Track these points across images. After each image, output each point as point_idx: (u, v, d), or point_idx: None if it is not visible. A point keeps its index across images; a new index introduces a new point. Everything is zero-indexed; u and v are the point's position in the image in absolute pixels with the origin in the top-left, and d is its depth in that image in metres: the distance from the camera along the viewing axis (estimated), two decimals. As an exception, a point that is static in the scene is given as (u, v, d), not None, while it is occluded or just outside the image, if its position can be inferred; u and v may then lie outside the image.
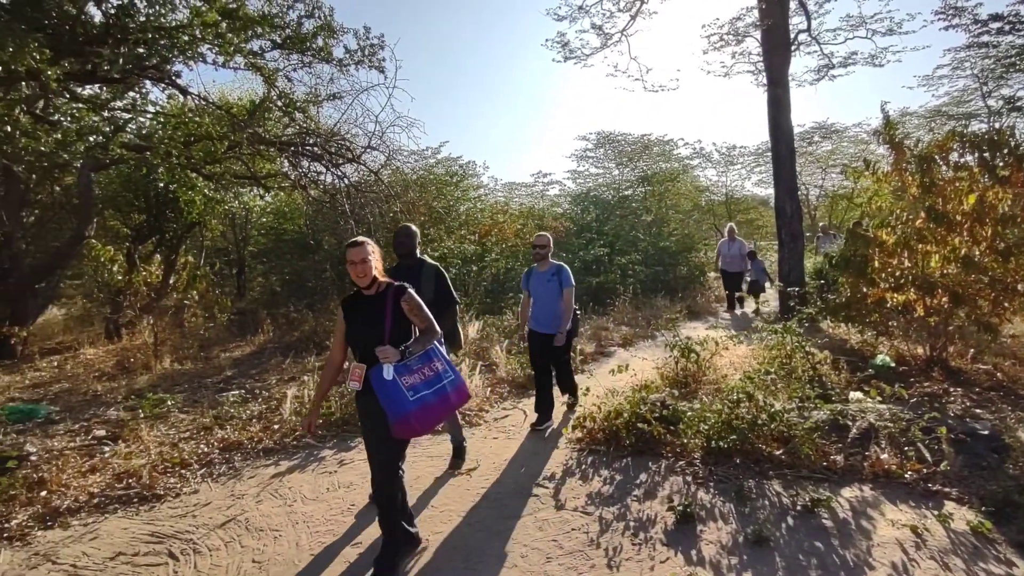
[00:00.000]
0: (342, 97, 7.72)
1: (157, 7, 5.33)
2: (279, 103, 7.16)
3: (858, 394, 4.41)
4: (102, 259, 8.27)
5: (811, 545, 2.78)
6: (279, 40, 6.49)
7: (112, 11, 5.06)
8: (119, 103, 6.43)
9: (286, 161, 8.33)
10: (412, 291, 2.72)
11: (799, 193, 11.12)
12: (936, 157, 5.31)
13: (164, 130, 6.70)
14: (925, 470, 3.38)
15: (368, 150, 8.49)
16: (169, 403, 5.41)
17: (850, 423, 3.84)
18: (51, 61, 4.43)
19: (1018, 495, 2.96)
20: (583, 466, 3.89)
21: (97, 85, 6.22)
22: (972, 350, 5.54)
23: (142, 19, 5.21)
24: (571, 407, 5.01)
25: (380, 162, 8.84)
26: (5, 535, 3.20)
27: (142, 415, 5.08)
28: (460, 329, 4.07)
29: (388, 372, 2.51)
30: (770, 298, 11.22)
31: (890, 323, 5.79)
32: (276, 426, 4.80)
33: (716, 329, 7.45)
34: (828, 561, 2.65)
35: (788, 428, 3.74)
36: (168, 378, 6.75)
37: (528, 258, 11.56)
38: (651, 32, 42.52)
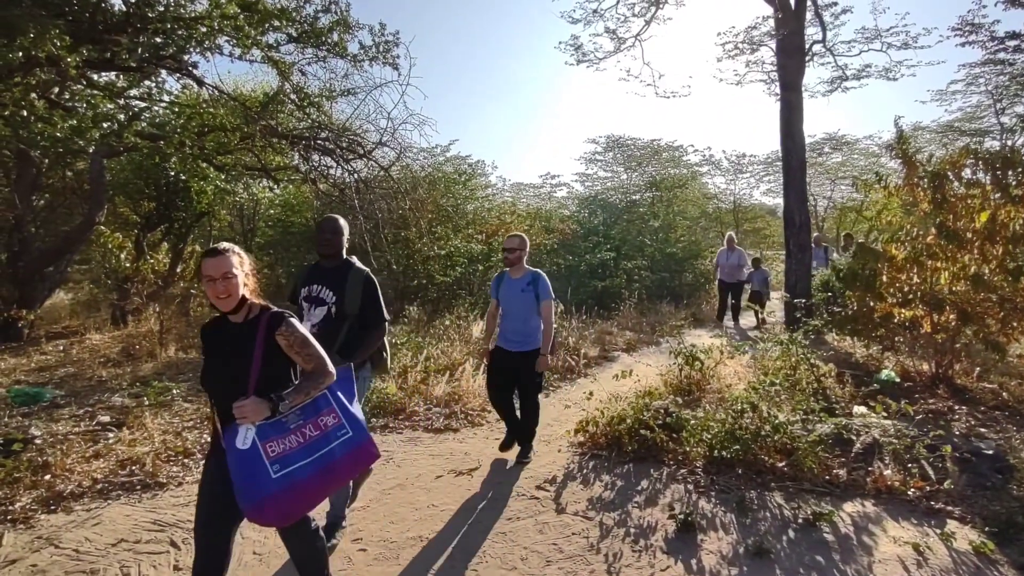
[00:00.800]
0: (356, 93, 7.75)
1: (177, -3, 5.37)
2: (293, 97, 7.19)
3: (862, 408, 4.40)
4: (110, 246, 8.34)
5: (812, 559, 2.78)
6: (294, 34, 6.52)
7: (133, 0, 5.10)
8: (135, 91, 6.47)
9: (297, 154, 8.36)
10: (293, 320, 2.05)
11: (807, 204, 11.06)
12: (949, 173, 5.29)
13: (178, 119, 6.73)
14: (928, 488, 3.37)
15: (380, 146, 8.52)
16: (174, 391, 5.43)
17: (854, 437, 3.83)
18: (70, 48, 4.46)
19: (1022, 516, 2.95)
20: (584, 470, 3.89)
21: (114, 73, 6.26)
22: (978, 368, 5.52)
23: (161, 9, 5.24)
24: (522, 461, 4.02)
25: (391, 159, 8.86)
26: (9, 518, 3.22)
27: (146, 402, 5.10)
28: (389, 350, 3.27)
29: (245, 438, 1.85)
30: (776, 308, 11.13)
31: (896, 338, 5.77)
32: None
33: (721, 338, 7.44)
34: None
35: (791, 440, 3.74)
36: (173, 366, 6.78)
37: (533, 260, 11.57)
38: (663, 38, 42.51)
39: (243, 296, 2.00)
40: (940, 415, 4.56)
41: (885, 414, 3.99)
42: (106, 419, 4.76)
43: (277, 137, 7.39)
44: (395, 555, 2.90)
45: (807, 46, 9.65)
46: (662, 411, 4.35)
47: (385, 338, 3.09)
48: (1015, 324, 5.00)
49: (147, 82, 6.19)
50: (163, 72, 6.18)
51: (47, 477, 3.64)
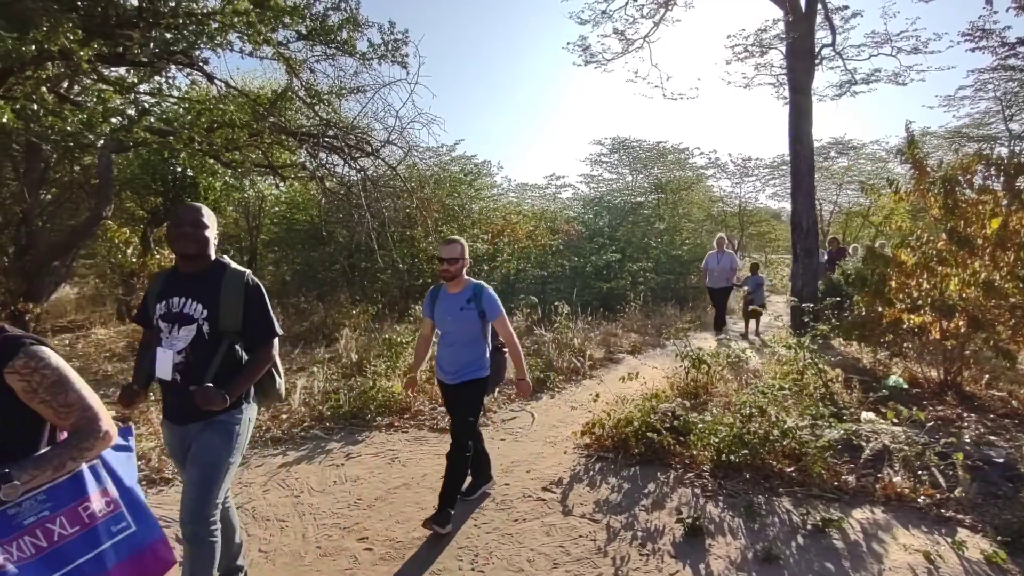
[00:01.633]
0: (364, 91, 7.74)
1: (189, -8, 5.37)
2: (302, 94, 7.19)
3: (870, 414, 4.37)
4: (116, 240, 8.35)
5: (821, 566, 2.75)
6: (304, 31, 6.51)
7: (145, -6, 5.12)
8: (145, 87, 6.48)
9: (305, 152, 8.36)
10: (34, 349, 1.39)
11: (813, 208, 11.01)
12: (960, 178, 5.25)
13: (187, 115, 6.73)
14: (939, 495, 3.34)
15: (387, 144, 8.50)
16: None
17: (863, 444, 3.80)
18: (83, 42, 4.47)
19: (1034, 526, 2.93)
20: (591, 472, 3.87)
21: (124, 68, 6.27)
22: (987, 375, 5.48)
23: (173, 4, 5.25)
24: (437, 520, 3.00)
25: (398, 157, 8.85)
26: (16, 510, 3.22)
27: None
28: (281, 373, 2.42)
29: None
30: (783, 314, 11.04)
31: (905, 344, 5.73)
32: (284, 415, 4.82)
33: (728, 343, 7.41)
34: (839, 583, 2.63)
35: (800, 445, 3.71)
36: (178, 362, 6.78)
37: (539, 260, 11.53)
38: (671, 40, 42.44)
39: None
40: (949, 422, 4.52)
41: (895, 420, 3.96)
42: (112, 414, 4.76)
43: (286, 134, 7.38)
44: (401, 555, 2.89)
45: (817, 49, 9.61)
46: (669, 414, 4.33)
47: (276, 356, 2.30)
48: (1026, 331, 4.96)
49: (157, 78, 6.19)
50: (173, 68, 6.19)
51: (53, 471, 3.64)
